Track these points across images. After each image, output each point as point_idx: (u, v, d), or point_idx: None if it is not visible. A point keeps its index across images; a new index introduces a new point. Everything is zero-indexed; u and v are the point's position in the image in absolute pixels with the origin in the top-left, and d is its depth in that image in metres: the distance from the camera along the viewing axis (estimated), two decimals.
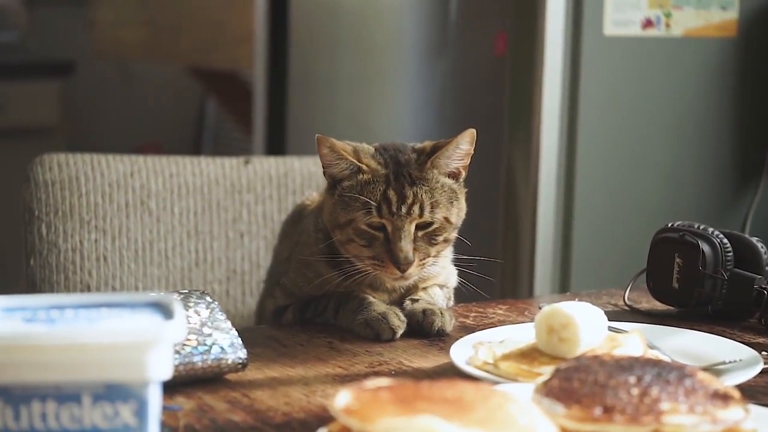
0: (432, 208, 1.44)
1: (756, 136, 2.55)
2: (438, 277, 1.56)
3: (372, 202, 1.43)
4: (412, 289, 1.53)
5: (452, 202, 1.47)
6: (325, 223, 1.52)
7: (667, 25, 2.44)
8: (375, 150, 1.49)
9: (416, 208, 1.43)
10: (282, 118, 3.14)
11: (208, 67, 3.87)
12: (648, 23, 2.43)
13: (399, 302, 1.51)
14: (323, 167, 1.48)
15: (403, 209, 1.43)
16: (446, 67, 2.66)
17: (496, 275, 2.43)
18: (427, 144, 1.51)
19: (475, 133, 1.46)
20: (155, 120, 4.67)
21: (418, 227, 1.44)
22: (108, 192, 1.96)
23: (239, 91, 3.83)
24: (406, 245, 1.42)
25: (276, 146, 3.14)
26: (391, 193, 1.43)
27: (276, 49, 3.14)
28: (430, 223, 1.45)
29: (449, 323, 1.48)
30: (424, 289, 1.54)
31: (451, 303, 1.60)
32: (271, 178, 2.06)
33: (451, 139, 1.47)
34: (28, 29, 4.59)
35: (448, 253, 1.56)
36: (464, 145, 1.47)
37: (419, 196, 1.44)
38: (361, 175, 1.45)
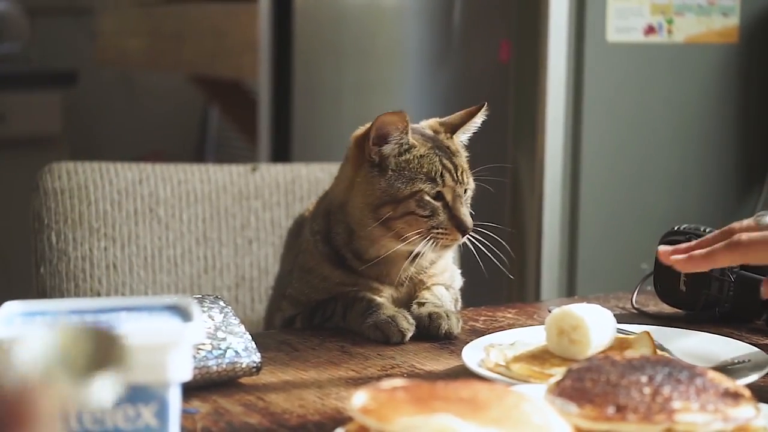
0: (468, 175, 1.50)
1: (758, 140, 2.57)
2: (442, 275, 1.57)
3: (437, 173, 1.47)
4: (418, 285, 1.54)
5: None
6: (325, 221, 1.54)
7: (669, 32, 2.46)
8: None
9: (465, 176, 1.49)
10: (286, 126, 3.15)
11: (211, 76, 3.89)
12: (650, 30, 2.44)
13: (406, 301, 1.53)
14: (376, 143, 1.47)
15: (462, 177, 1.48)
16: (450, 74, 2.67)
17: (503, 279, 2.44)
18: (430, 121, 1.55)
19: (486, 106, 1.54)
20: (158, 129, 4.69)
21: None
22: (117, 200, 1.97)
23: (242, 100, 3.84)
24: (466, 211, 1.48)
25: (281, 154, 3.16)
26: (447, 162, 1.48)
27: (280, 57, 3.16)
28: (466, 190, 1.50)
29: (456, 325, 1.49)
30: (428, 288, 1.55)
31: (459, 305, 1.61)
32: (279, 184, 2.07)
33: (466, 114, 1.54)
34: (31, 39, 4.61)
35: (450, 253, 1.58)
36: (479, 120, 1.54)
37: (462, 164, 1.50)
38: (414, 150, 1.48)
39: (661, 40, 2.46)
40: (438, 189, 1.47)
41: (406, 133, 1.47)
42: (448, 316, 1.49)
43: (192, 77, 4.11)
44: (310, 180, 2.08)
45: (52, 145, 4.36)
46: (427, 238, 1.46)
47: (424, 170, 1.46)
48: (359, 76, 2.91)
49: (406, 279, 1.53)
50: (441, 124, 1.55)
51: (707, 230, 1.61)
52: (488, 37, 2.55)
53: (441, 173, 1.47)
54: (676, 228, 1.65)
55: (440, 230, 1.46)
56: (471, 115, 1.54)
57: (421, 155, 1.47)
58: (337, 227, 1.54)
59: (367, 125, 1.50)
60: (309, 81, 3.08)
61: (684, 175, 2.52)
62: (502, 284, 2.47)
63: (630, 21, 2.42)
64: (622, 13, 2.41)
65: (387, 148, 1.47)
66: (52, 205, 1.94)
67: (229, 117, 4.15)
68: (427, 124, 1.55)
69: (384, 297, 1.53)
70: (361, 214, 1.49)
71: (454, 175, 1.47)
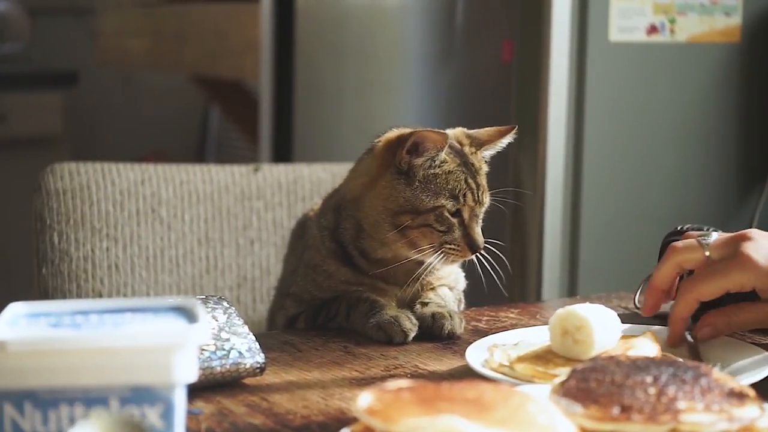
0: (487, 195, 1.51)
1: (760, 140, 2.57)
2: (447, 278, 1.58)
3: (460, 191, 1.47)
4: (425, 286, 1.55)
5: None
6: (334, 217, 1.54)
7: (672, 31, 2.46)
8: None
9: (485, 197, 1.50)
10: (288, 126, 3.15)
11: (213, 76, 3.88)
12: (653, 29, 2.44)
13: (411, 300, 1.53)
14: (410, 153, 1.47)
15: (482, 197, 1.49)
16: (452, 74, 2.67)
17: (505, 279, 2.44)
18: (456, 131, 1.54)
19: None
20: (159, 129, 4.69)
21: None
22: (119, 200, 1.98)
23: (243, 100, 3.84)
24: (479, 230, 1.49)
25: (282, 154, 3.16)
26: (471, 182, 1.48)
27: (281, 57, 3.16)
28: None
29: (459, 326, 1.49)
30: (433, 289, 1.56)
31: (463, 306, 1.61)
32: (281, 185, 2.07)
33: (495, 132, 1.54)
34: (32, 39, 4.61)
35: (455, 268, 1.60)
36: (506, 140, 1.55)
37: (483, 184, 1.50)
38: (445, 165, 1.48)
39: (663, 40, 2.46)
40: (458, 207, 1.47)
41: (441, 151, 1.47)
42: (451, 316, 1.49)
43: (193, 77, 4.11)
44: (312, 180, 2.08)
45: (53, 145, 4.36)
46: (439, 251, 1.47)
47: (449, 187, 1.47)
48: (361, 77, 2.91)
49: (414, 280, 1.54)
50: (468, 136, 1.54)
51: (709, 230, 1.60)
52: (490, 37, 2.55)
53: (464, 193, 1.47)
54: (678, 228, 1.65)
55: (452, 246, 1.47)
56: (501, 135, 1.54)
57: (449, 171, 1.48)
58: (345, 222, 1.54)
59: (403, 130, 1.50)
60: (310, 81, 3.07)
61: (686, 174, 2.52)
62: (503, 284, 2.46)
63: (632, 20, 2.42)
64: (625, 12, 2.41)
65: (419, 161, 1.47)
66: (54, 206, 1.94)
67: (230, 117, 4.15)
68: (453, 134, 1.53)
69: (388, 297, 1.53)
70: (378, 217, 1.49)
71: (476, 194, 1.48)
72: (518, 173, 2.46)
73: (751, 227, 2.44)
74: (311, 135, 3.08)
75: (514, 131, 1.54)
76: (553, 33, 2.37)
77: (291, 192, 2.07)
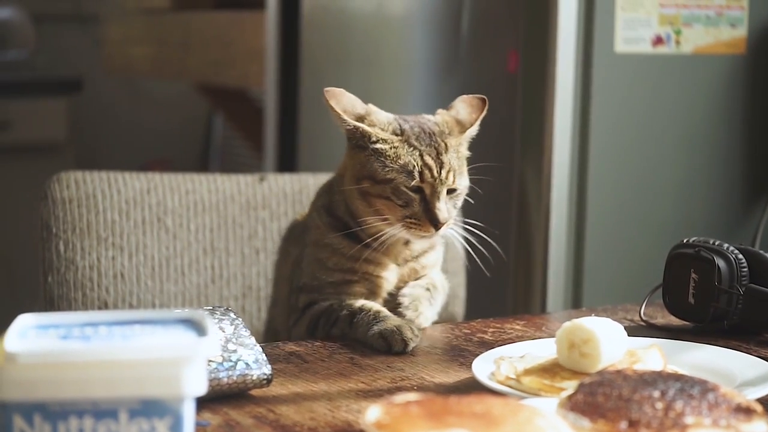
0: (457, 175, 1.54)
1: (765, 151, 2.57)
2: (433, 268, 1.64)
3: (415, 167, 1.51)
4: (411, 272, 1.61)
5: (464, 172, 1.57)
6: (327, 195, 1.62)
7: (677, 43, 2.46)
8: (394, 119, 1.57)
9: (451, 175, 1.53)
10: (292, 135, 3.15)
11: (217, 85, 3.89)
12: (658, 40, 2.44)
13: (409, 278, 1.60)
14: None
15: (443, 174, 1.52)
16: (458, 84, 2.67)
17: (509, 289, 2.45)
18: (445, 116, 1.60)
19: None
20: (163, 137, 4.69)
21: (447, 192, 1.54)
22: (125, 209, 1.98)
23: (248, 109, 3.84)
24: (443, 206, 1.52)
25: (287, 163, 3.16)
26: (429, 159, 1.52)
27: (286, 66, 3.16)
28: (454, 190, 1.54)
29: (412, 339, 1.48)
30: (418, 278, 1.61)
31: (438, 308, 1.62)
32: (286, 194, 2.08)
33: (476, 113, 1.60)
34: (36, 47, 4.61)
35: (440, 248, 1.65)
36: (483, 114, 1.61)
37: (451, 163, 1.53)
38: (390, 142, 1.53)
39: (669, 51, 2.46)
40: (415, 183, 1.51)
41: (342, 118, 1.54)
42: (400, 330, 1.49)
43: (198, 86, 4.11)
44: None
45: (57, 152, 4.36)
46: (401, 223, 1.52)
47: (400, 162, 1.52)
48: (366, 86, 2.91)
49: (403, 261, 1.60)
50: (457, 122, 1.59)
51: (716, 243, 1.61)
52: (496, 47, 2.55)
53: (420, 169, 1.51)
54: (684, 241, 1.65)
55: (413, 220, 1.52)
56: (480, 111, 1.60)
57: (395, 147, 1.52)
58: (337, 196, 1.61)
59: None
60: (315, 90, 3.07)
61: (691, 185, 2.52)
62: (507, 294, 2.47)
63: (638, 32, 2.42)
64: (630, 23, 2.41)
65: (343, 129, 1.55)
66: (60, 215, 1.94)
67: (234, 126, 4.15)
68: (443, 120, 1.59)
69: (390, 271, 1.59)
70: (349, 184, 1.56)
71: (435, 172, 1.51)
72: (523, 183, 2.46)
73: (756, 238, 2.45)
74: (316, 144, 3.08)
75: (484, 106, 1.60)
76: (559, 43, 2.37)
77: (296, 202, 2.08)
